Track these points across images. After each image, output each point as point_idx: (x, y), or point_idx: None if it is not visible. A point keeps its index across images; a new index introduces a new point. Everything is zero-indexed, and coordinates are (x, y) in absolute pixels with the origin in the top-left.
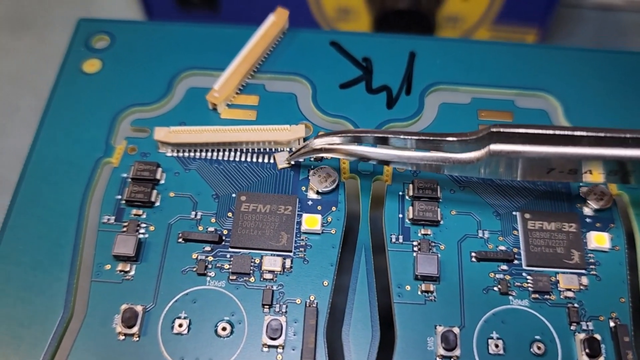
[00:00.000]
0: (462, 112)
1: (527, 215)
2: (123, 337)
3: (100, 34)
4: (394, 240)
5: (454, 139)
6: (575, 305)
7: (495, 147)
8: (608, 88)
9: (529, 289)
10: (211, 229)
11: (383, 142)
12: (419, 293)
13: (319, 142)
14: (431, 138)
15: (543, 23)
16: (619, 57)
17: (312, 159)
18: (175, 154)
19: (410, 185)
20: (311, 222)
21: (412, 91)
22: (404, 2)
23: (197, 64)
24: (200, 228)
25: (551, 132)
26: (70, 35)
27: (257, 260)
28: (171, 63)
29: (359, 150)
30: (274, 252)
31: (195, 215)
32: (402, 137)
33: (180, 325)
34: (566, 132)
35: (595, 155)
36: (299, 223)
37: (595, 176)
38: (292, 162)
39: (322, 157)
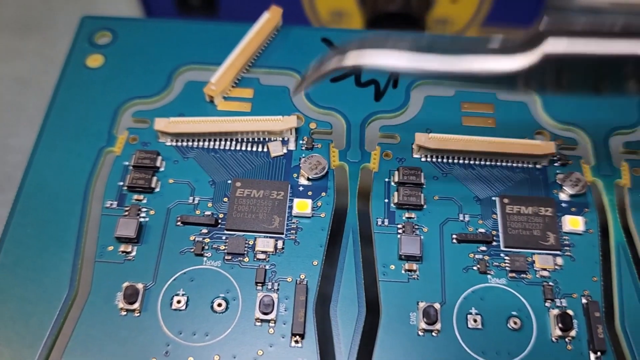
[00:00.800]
0: (446, 104)
1: (505, 200)
2: (125, 313)
3: (103, 30)
4: (380, 223)
5: (496, 45)
6: (550, 283)
7: (551, 46)
8: None
9: (507, 268)
10: (208, 212)
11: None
12: (403, 272)
13: (351, 60)
14: (471, 45)
15: (531, 25)
16: None
17: (302, 148)
18: (174, 143)
19: (396, 172)
20: (302, 206)
21: (399, 85)
22: (395, 5)
23: (195, 59)
24: (198, 212)
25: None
26: (73, 35)
27: (251, 242)
28: (170, 58)
29: (391, 62)
30: (267, 234)
31: (193, 200)
32: (442, 44)
33: (179, 302)
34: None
35: None
36: (291, 207)
37: None
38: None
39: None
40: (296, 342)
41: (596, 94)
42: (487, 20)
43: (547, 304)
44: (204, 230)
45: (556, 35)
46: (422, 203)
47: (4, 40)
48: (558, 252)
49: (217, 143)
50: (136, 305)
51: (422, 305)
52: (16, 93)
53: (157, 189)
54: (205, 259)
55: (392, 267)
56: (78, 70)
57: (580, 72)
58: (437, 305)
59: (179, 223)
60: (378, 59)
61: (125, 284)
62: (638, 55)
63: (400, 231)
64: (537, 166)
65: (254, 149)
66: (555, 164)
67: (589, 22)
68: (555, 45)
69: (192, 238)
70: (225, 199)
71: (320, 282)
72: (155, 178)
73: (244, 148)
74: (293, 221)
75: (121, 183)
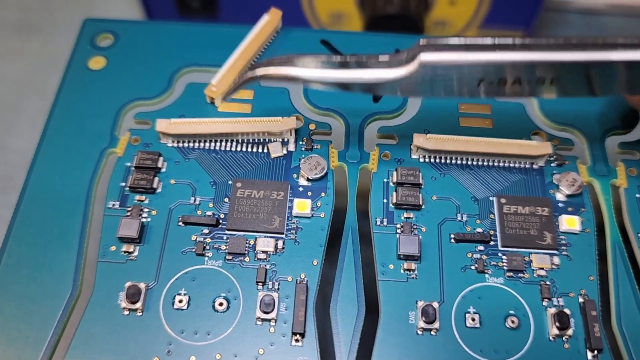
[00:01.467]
0: (443, 105)
1: (502, 200)
2: (127, 312)
3: (105, 33)
4: (378, 223)
5: (387, 58)
6: (547, 282)
7: (425, 57)
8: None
9: (504, 267)
10: (209, 213)
11: (318, 65)
12: (402, 271)
13: (259, 71)
14: (364, 59)
15: (528, 26)
16: None
17: (302, 149)
18: (175, 144)
19: (394, 173)
20: (302, 206)
21: None
22: (394, 7)
23: (196, 60)
24: (199, 212)
25: (480, 41)
26: (75, 38)
27: (252, 242)
28: (172, 60)
29: (293, 72)
30: (267, 234)
31: (194, 200)
32: (334, 59)
33: (181, 301)
34: (495, 41)
35: (522, 60)
36: (291, 207)
37: (526, 88)
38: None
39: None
40: (297, 341)
41: (459, 97)
42: (485, 21)
43: (544, 303)
44: (205, 231)
45: (429, 49)
46: (421, 203)
47: (4, 42)
48: (555, 252)
49: (218, 144)
50: (138, 305)
51: (420, 304)
52: (17, 94)
53: (159, 190)
54: (206, 258)
55: (391, 266)
56: (80, 72)
57: (446, 79)
58: (435, 304)
59: (180, 223)
60: (283, 70)
61: (128, 284)
62: (493, 61)
63: (399, 231)
64: (534, 166)
65: (254, 149)
66: (552, 164)
67: (459, 40)
68: (428, 57)
69: (193, 238)
70: (226, 200)
71: (320, 282)
72: (157, 179)
73: (244, 149)
74: (293, 221)
75: (123, 184)
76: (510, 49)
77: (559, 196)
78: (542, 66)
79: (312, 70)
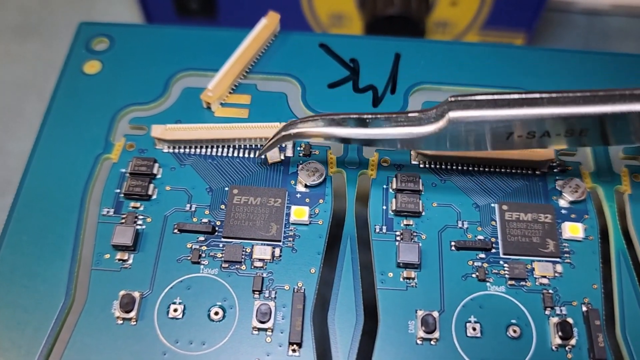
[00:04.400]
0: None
1: (504, 207)
2: (121, 322)
3: (100, 36)
4: (378, 230)
5: (416, 114)
6: (550, 291)
7: (454, 114)
8: (589, 87)
9: (506, 276)
10: (205, 220)
11: (349, 124)
12: (401, 280)
13: (292, 130)
14: (394, 115)
15: (530, 27)
16: (602, 59)
17: (300, 155)
18: (171, 150)
19: (394, 179)
20: (299, 213)
21: (397, 90)
22: (395, 8)
23: (192, 65)
24: (195, 219)
25: (507, 97)
26: (70, 41)
27: (248, 250)
28: (167, 64)
29: (328, 131)
30: (264, 242)
31: (190, 207)
32: (365, 117)
33: (175, 310)
34: (522, 96)
35: (550, 114)
36: (288, 214)
37: (554, 140)
38: (265, 155)
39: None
40: (294, 350)
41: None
42: (487, 23)
43: (546, 312)
44: (201, 238)
45: (457, 107)
46: (421, 210)
47: (4, 44)
48: (558, 259)
49: (215, 150)
50: (133, 314)
51: (420, 313)
52: (15, 97)
53: (154, 196)
54: (202, 266)
55: (391, 274)
56: (75, 77)
57: (477, 133)
58: (435, 314)
59: (175, 231)
60: (316, 130)
61: (122, 292)
62: (521, 117)
63: (398, 238)
64: (537, 173)
65: (252, 155)
66: (555, 170)
67: (487, 96)
68: (456, 114)
69: (189, 246)
70: (223, 207)
71: (318, 290)
72: (152, 185)
73: (241, 155)
74: (290, 228)
75: (118, 190)
76: (538, 104)
77: (562, 203)
78: (570, 120)
79: (345, 130)
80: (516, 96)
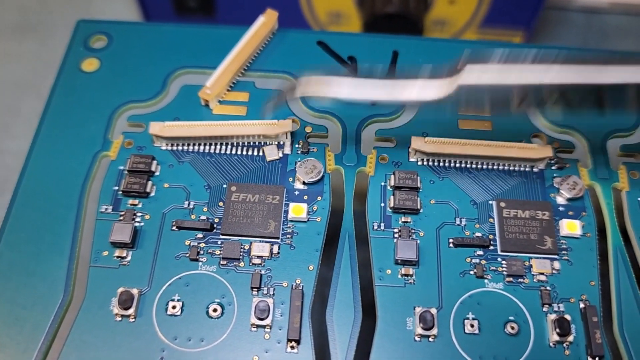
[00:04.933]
0: (442, 108)
1: (502, 204)
2: (120, 319)
3: (98, 34)
4: (376, 227)
5: (427, 75)
6: (548, 288)
7: (464, 78)
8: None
9: (504, 272)
10: (203, 217)
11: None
12: (399, 276)
13: (299, 92)
14: (400, 77)
15: (529, 26)
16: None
17: (298, 152)
18: (169, 148)
19: (392, 176)
20: (297, 210)
21: None
22: (393, 6)
23: (191, 62)
24: (193, 217)
25: (519, 60)
26: (69, 39)
27: (247, 247)
28: (166, 62)
29: (332, 92)
30: (263, 239)
31: (188, 204)
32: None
33: (174, 307)
34: (535, 58)
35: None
36: (286, 212)
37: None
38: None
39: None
40: (292, 347)
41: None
42: (485, 22)
43: (544, 309)
44: (200, 235)
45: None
46: (419, 207)
47: (2, 44)
48: (555, 256)
49: (213, 147)
50: (131, 311)
51: (418, 310)
52: (13, 96)
53: (152, 194)
54: (200, 263)
55: (389, 271)
56: (73, 74)
57: (485, 97)
58: (433, 310)
59: (174, 228)
60: (329, 90)
61: (120, 289)
62: (531, 83)
63: (396, 235)
64: (534, 169)
65: (250, 153)
66: (553, 168)
67: (499, 59)
68: (466, 79)
69: (187, 243)
70: (221, 204)
71: (316, 287)
72: (150, 182)
73: (239, 152)
74: (289, 225)
75: (116, 187)
76: (548, 68)
77: (560, 200)
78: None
79: (346, 90)
80: (530, 59)
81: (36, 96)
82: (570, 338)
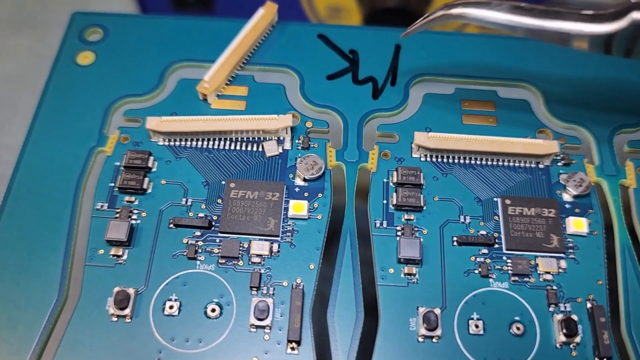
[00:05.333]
0: (445, 102)
1: (507, 201)
2: (116, 319)
3: (94, 27)
4: (378, 225)
5: (589, 12)
6: (554, 287)
7: (638, 14)
8: (588, 79)
9: (509, 271)
10: (201, 214)
11: (512, 11)
12: (402, 276)
13: (452, 10)
14: (564, 10)
15: None
16: None
17: (298, 148)
18: (166, 143)
19: (395, 173)
20: (298, 207)
21: (397, 82)
22: (393, 0)
23: (188, 56)
24: (191, 214)
25: None
26: (64, 32)
27: (246, 245)
28: (163, 55)
29: (491, 16)
30: (262, 237)
31: (186, 201)
32: (535, 7)
33: (171, 307)
34: None
35: None
36: (286, 209)
37: None
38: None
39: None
40: (292, 349)
41: None
42: None
43: (550, 309)
44: (197, 233)
45: None
46: (422, 204)
47: None
48: (562, 255)
49: (211, 143)
50: (127, 311)
51: (422, 310)
52: (9, 91)
53: (149, 190)
54: (198, 262)
55: (391, 270)
56: (68, 68)
57: None
58: (437, 311)
59: (171, 225)
60: (481, 13)
61: (116, 289)
62: None
63: (399, 233)
64: (540, 166)
65: (249, 148)
66: (559, 164)
67: None
68: None
69: (185, 241)
70: (219, 201)
71: (317, 287)
72: (147, 179)
73: (238, 148)
74: (289, 223)
75: (112, 184)
76: None
77: (566, 197)
78: None
79: (510, 16)
80: None
81: (32, 91)
82: (577, 339)
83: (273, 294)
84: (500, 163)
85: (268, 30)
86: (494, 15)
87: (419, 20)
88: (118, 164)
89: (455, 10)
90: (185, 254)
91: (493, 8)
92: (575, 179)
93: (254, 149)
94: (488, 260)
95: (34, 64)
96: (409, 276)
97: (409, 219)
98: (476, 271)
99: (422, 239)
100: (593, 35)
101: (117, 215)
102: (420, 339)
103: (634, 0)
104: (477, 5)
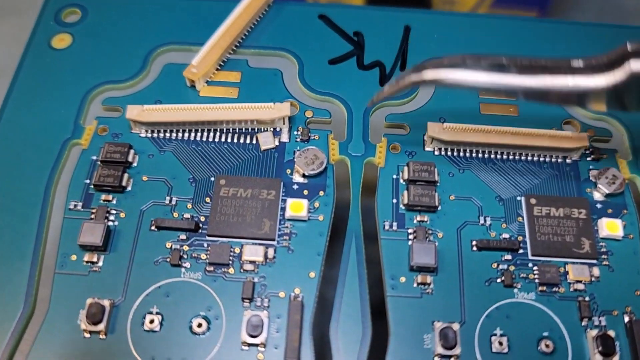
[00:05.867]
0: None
1: (532, 201)
2: (88, 335)
3: (71, 7)
4: (387, 227)
5: (580, 64)
6: (586, 298)
7: (637, 65)
8: None
9: (536, 280)
10: (187, 215)
11: (493, 69)
12: (415, 285)
13: (423, 74)
14: (550, 64)
15: (543, 5)
16: (619, 32)
17: (297, 140)
18: (149, 135)
19: (405, 168)
20: (296, 207)
21: (407, 67)
22: None
23: (175, 38)
24: (175, 215)
25: None
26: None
27: (237, 250)
28: (147, 37)
29: (468, 78)
30: (256, 241)
31: (170, 200)
32: (519, 62)
33: (152, 322)
34: None
35: None
36: (283, 209)
37: None
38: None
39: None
40: None
41: None
42: (497, 0)
43: (583, 323)
44: (183, 236)
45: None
46: (436, 204)
47: None
48: (594, 261)
49: (199, 134)
50: (101, 326)
51: (438, 325)
52: None
53: (129, 188)
54: (183, 270)
55: (403, 279)
56: (42, 52)
57: None
58: (455, 326)
59: (153, 228)
60: (457, 75)
61: (89, 301)
62: None
63: (411, 237)
64: (567, 161)
65: (241, 140)
66: (588, 159)
67: None
68: None
69: (168, 245)
70: (208, 200)
71: (319, 298)
72: (126, 175)
73: (229, 140)
74: (286, 225)
75: (87, 181)
76: None
77: (597, 196)
78: None
79: (491, 75)
80: None
81: (3, 78)
82: (616, 358)
83: (268, 307)
84: (523, 157)
85: (263, 11)
86: (473, 77)
87: (385, 86)
88: (95, 158)
89: (428, 75)
90: (168, 260)
91: (470, 67)
92: (607, 176)
93: (247, 141)
94: (512, 268)
95: (7, 50)
96: (422, 286)
97: (422, 221)
98: (499, 280)
99: (437, 244)
100: (588, 92)
101: (92, 216)
102: (437, 359)
103: (630, 48)
104: (452, 67)
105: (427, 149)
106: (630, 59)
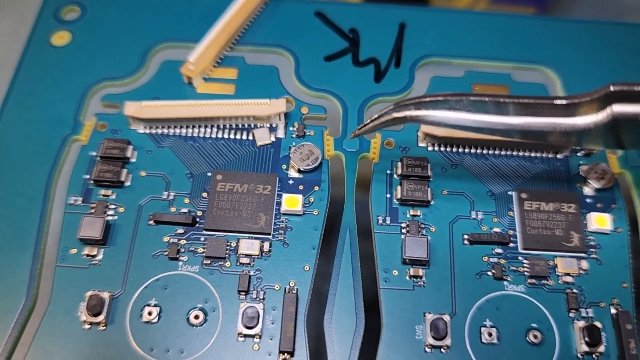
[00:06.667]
0: (455, 86)
1: (523, 195)
2: (88, 326)
3: (70, 4)
4: (380, 221)
5: (563, 102)
6: (575, 290)
7: (619, 108)
8: (608, 60)
9: (525, 273)
10: (184, 210)
11: (474, 108)
12: (407, 278)
13: (405, 112)
14: (533, 102)
15: (541, 2)
16: (618, 29)
17: (293, 136)
18: (147, 131)
19: (399, 163)
20: (292, 202)
21: (402, 64)
22: None
23: (173, 35)
24: (173, 209)
25: None
26: (38, 10)
27: (233, 244)
28: (145, 35)
29: (450, 118)
30: (252, 235)
31: (168, 195)
32: (501, 100)
33: (150, 313)
34: None
35: None
36: (279, 203)
37: None
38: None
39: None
40: None
41: None
42: None
43: (571, 315)
44: (180, 230)
45: (624, 98)
46: (429, 199)
47: None
48: (583, 255)
49: (196, 130)
50: (101, 318)
51: (429, 317)
52: None
53: (127, 183)
54: (180, 263)
55: (395, 272)
56: (42, 49)
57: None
58: (446, 317)
59: (151, 222)
60: (439, 114)
61: (89, 293)
62: None
63: (404, 231)
64: (558, 156)
65: (238, 136)
66: (578, 154)
67: None
68: (625, 107)
69: (166, 239)
70: (205, 194)
71: (313, 290)
72: (125, 170)
73: (226, 136)
74: (282, 219)
75: (87, 176)
76: None
77: (587, 190)
78: None
79: (471, 115)
80: None
81: (3, 75)
82: (601, 348)
83: (263, 299)
84: (514, 153)
85: (261, 7)
86: (455, 116)
87: (367, 121)
88: (94, 153)
89: (409, 113)
90: (166, 253)
91: (453, 107)
92: (596, 171)
93: (244, 137)
94: (502, 261)
95: (6, 45)
96: (415, 279)
97: (415, 215)
98: (489, 273)
99: (429, 237)
100: (571, 130)
101: (92, 210)
102: (428, 349)
103: (613, 89)
104: (434, 105)
105: (420, 144)
106: (613, 102)
